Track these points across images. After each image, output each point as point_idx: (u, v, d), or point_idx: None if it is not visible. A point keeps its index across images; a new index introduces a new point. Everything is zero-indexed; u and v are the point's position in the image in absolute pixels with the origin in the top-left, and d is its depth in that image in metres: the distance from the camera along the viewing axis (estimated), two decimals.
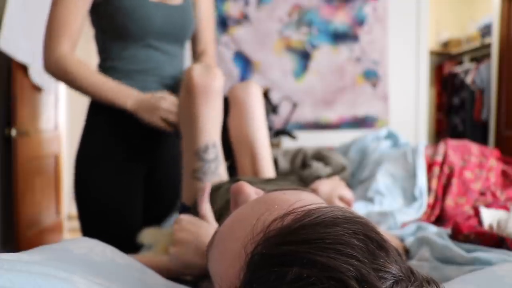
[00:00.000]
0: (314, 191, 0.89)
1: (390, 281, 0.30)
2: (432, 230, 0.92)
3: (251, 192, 0.45)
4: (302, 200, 0.38)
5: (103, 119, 1.15)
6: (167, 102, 1.04)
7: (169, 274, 0.64)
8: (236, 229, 0.38)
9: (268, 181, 0.93)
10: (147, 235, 0.95)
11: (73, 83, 1.06)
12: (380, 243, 0.32)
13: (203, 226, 0.65)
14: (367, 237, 0.32)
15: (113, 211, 1.15)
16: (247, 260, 0.33)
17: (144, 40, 1.12)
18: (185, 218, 0.67)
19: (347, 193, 0.92)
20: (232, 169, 1.10)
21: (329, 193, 0.89)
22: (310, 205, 0.36)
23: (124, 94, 1.06)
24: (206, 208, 0.68)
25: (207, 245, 0.43)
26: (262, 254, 0.32)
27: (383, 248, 0.32)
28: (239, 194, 0.45)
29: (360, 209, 1.16)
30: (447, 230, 0.85)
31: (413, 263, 0.74)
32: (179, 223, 0.67)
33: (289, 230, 0.33)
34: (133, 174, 1.18)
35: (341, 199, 0.91)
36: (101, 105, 1.13)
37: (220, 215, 0.82)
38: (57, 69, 1.05)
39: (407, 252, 0.83)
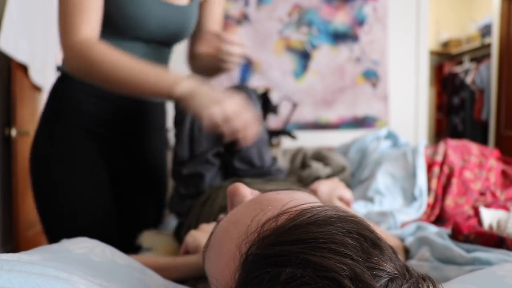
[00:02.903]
0: (314, 191, 0.89)
1: (385, 279, 0.30)
2: (432, 230, 0.92)
3: (247, 193, 0.45)
4: (295, 199, 0.38)
5: (66, 108, 0.96)
6: (234, 103, 0.77)
7: (198, 271, 0.66)
8: (231, 230, 0.38)
9: (268, 181, 0.93)
10: (146, 238, 0.96)
11: (101, 71, 0.84)
12: (374, 241, 0.32)
13: None
14: (361, 235, 0.32)
15: (83, 216, 0.96)
16: (242, 261, 0.33)
17: (131, 37, 0.96)
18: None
19: (347, 193, 0.92)
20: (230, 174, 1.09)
21: (329, 193, 0.90)
22: (303, 204, 0.36)
23: (172, 77, 0.81)
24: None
25: (204, 246, 0.43)
26: (256, 255, 0.32)
27: (377, 246, 0.32)
28: (235, 195, 0.45)
29: (360, 208, 1.16)
30: (447, 230, 0.85)
31: (413, 263, 0.74)
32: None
33: (283, 230, 0.32)
34: (103, 173, 1.00)
35: (341, 199, 0.91)
36: (65, 91, 0.95)
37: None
38: (79, 57, 0.84)
39: (407, 252, 0.83)
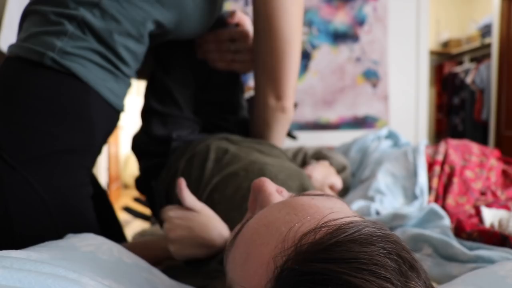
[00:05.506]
0: (308, 177, 0.91)
1: None
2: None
3: (273, 191, 0.43)
4: (335, 212, 0.36)
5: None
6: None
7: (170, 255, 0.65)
8: (262, 233, 0.36)
9: (261, 152, 0.85)
10: (146, 234, 0.96)
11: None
12: (411, 263, 0.32)
13: (193, 218, 0.64)
14: (400, 257, 0.31)
15: None
16: (276, 274, 0.31)
17: None
18: (174, 214, 0.65)
19: (338, 182, 1.00)
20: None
21: (322, 181, 0.95)
22: (343, 218, 0.34)
23: None
24: (190, 199, 0.65)
25: (228, 244, 0.41)
26: (293, 270, 0.30)
27: (414, 269, 0.32)
28: (260, 191, 0.43)
29: (361, 209, 1.17)
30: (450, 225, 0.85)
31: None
32: (169, 221, 0.65)
33: (323, 247, 0.31)
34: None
35: (331, 187, 0.96)
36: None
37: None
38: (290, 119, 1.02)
39: None
